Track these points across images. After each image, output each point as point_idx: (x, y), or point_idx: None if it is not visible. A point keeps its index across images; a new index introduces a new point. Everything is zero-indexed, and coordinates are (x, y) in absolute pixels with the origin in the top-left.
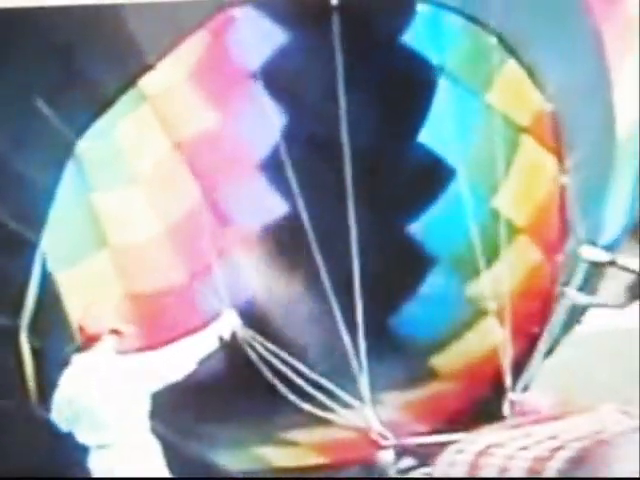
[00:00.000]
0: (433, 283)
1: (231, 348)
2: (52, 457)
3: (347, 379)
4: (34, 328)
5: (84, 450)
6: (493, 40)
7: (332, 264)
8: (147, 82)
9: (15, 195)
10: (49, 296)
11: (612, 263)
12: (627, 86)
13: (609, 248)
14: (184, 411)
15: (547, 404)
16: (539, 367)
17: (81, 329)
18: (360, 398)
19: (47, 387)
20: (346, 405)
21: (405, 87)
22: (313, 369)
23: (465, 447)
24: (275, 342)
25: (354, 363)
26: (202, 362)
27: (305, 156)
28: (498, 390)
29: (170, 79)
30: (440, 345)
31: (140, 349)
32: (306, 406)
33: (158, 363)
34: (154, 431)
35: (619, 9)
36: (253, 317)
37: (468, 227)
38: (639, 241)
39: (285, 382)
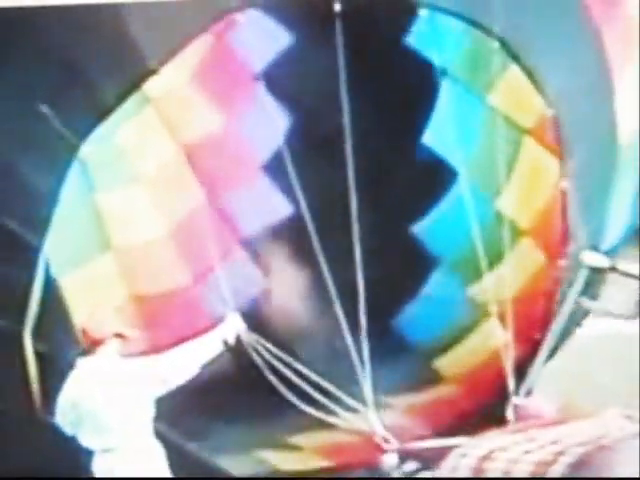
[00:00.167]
0: (436, 284)
1: (235, 352)
2: (56, 460)
3: (351, 383)
4: (38, 332)
5: (88, 453)
6: (495, 44)
7: (335, 265)
8: (151, 84)
9: (18, 199)
10: (53, 300)
11: (613, 269)
12: (628, 91)
13: (609, 253)
14: (188, 414)
15: (550, 409)
16: (541, 371)
17: (85, 333)
18: (363, 402)
19: (51, 391)
20: (349, 409)
21: (408, 89)
22: (316, 372)
23: (469, 451)
24: (277, 344)
25: (357, 366)
26: (206, 366)
27: (308, 158)
28: (501, 394)
29: (174, 81)
30: (443, 347)
31: (144, 352)
32: (309, 410)
33: (162, 367)
34: (157, 434)
35: (619, 12)
36: (256, 318)
37: (471, 228)
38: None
39: (289, 386)
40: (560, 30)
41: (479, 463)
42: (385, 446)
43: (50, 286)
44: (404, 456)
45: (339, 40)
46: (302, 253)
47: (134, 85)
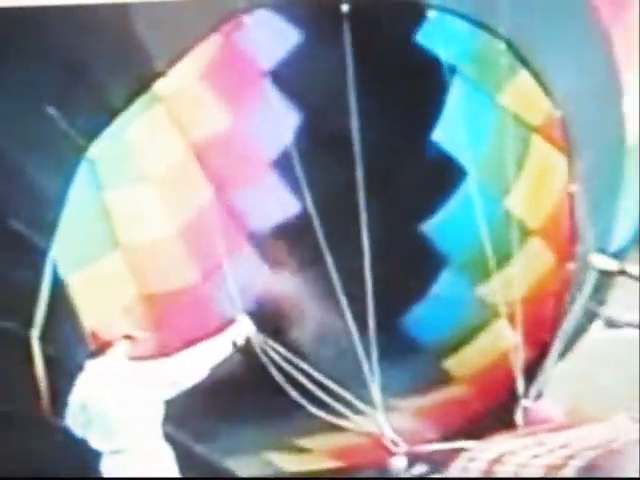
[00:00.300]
0: (445, 284)
1: (244, 354)
2: (65, 462)
3: (359, 385)
4: (47, 334)
5: (97, 455)
6: (502, 46)
7: (344, 263)
8: (160, 83)
9: (25, 201)
10: (61, 302)
11: (622, 272)
12: (637, 92)
13: (617, 256)
14: (196, 416)
15: (559, 413)
16: (551, 374)
17: (94, 335)
18: (372, 404)
19: (60, 393)
20: (358, 411)
21: (417, 87)
22: (324, 374)
23: (478, 455)
24: (285, 344)
25: (366, 368)
26: (215, 368)
27: (317, 156)
28: (511, 397)
29: (183, 80)
30: (453, 347)
31: (154, 355)
32: (318, 412)
33: (172, 369)
34: (166, 435)
35: (628, 14)
36: (264, 317)
37: (480, 228)
38: None
39: (297, 388)
40: (568, 32)
41: (488, 467)
42: (394, 449)
43: (58, 288)
44: (413, 459)
45: (347, 41)
46: (311, 251)
47: (142, 88)
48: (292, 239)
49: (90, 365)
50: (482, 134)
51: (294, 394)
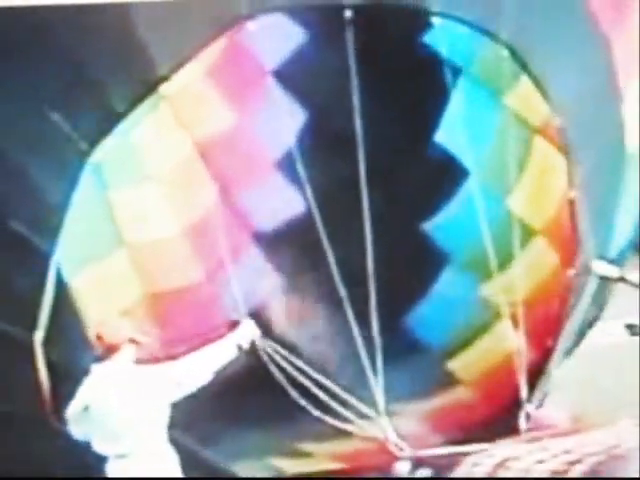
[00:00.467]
0: (447, 283)
1: (249, 358)
2: (67, 463)
3: (363, 389)
4: (51, 339)
5: (98, 456)
6: (505, 52)
7: (346, 262)
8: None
9: (28, 203)
10: (66, 306)
11: (621, 279)
12: (636, 98)
13: (615, 262)
14: (200, 420)
15: (563, 418)
16: (555, 380)
17: (100, 338)
18: (376, 408)
19: (65, 397)
20: (362, 416)
21: (421, 88)
22: (328, 377)
23: (482, 460)
24: (289, 347)
25: (369, 372)
26: (219, 372)
27: (321, 155)
28: (515, 401)
29: (188, 79)
30: (457, 348)
31: (159, 359)
32: (322, 416)
33: (177, 373)
34: (171, 439)
35: (627, 19)
36: (266, 318)
37: (482, 228)
38: None
39: (302, 392)
40: (568, 37)
41: (492, 472)
42: (398, 453)
43: (62, 291)
44: (417, 463)
45: (350, 45)
46: (315, 249)
47: (145, 92)
48: (297, 237)
49: (96, 369)
50: (484, 135)
51: (299, 398)
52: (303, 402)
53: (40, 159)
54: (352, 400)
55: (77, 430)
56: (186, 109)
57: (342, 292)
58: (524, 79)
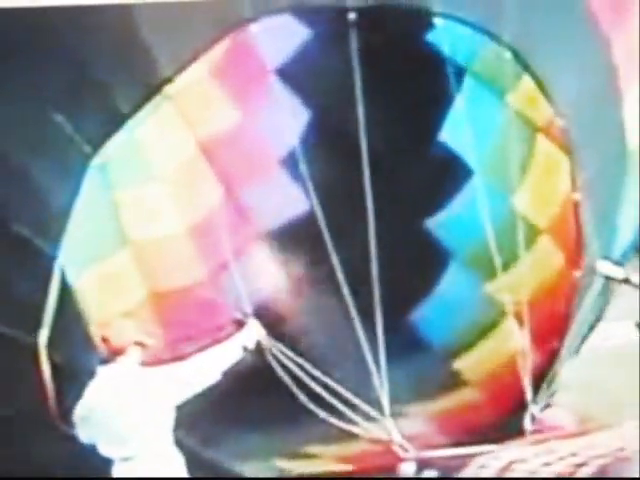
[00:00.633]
0: (451, 281)
1: (254, 358)
2: (75, 469)
3: (368, 390)
4: (56, 342)
5: (107, 462)
6: (507, 54)
7: (350, 261)
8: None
9: (31, 206)
10: (70, 309)
11: (626, 281)
12: (636, 99)
13: (617, 263)
14: (205, 421)
15: (569, 420)
16: (560, 381)
17: (105, 341)
18: (381, 410)
19: (70, 400)
20: (367, 417)
21: (424, 87)
22: (333, 378)
23: (488, 462)
24: (294, 347)
25: (374, 372)
26: (225, 373)
27: (325, 153)
28: (521, 402)
29: (192, 77)
30: (462, 348)
31: (164, 360)
32: (327, 417)
33: (182, 374)
34: (176, 441)
35: (628, 19)
36: (270, 317)
37: (486, 226)
38: None
39: (307, 393)
40: (568, 37)
41: (498, 475)
42: (403, 455)
43: (66, 294)
44: (422, 465)
45: (353, 46)
46: (319, 248)
47: (149, 94)
48: (301, 236)
49: (101, 371)
50: (488, 134)
51: (304, 399)
52: (307, 403)
53: (43, 161)
54: (357, 401)
55: (83, 433)
56: (190, 108)
57: (345, 290)
58: (526, 79)
